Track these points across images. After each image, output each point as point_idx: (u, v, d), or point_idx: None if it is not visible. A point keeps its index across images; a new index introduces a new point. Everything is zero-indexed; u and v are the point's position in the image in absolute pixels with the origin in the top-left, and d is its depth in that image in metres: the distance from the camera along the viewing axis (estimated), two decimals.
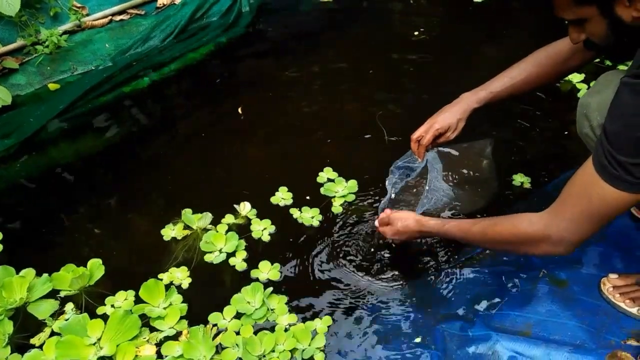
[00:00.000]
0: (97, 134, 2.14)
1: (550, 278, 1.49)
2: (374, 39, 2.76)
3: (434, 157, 1.60)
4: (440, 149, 1.73)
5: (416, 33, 2.75)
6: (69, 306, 1.45)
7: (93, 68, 2.45)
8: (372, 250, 1.65)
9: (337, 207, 1.79)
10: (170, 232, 1.68)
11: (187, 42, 2.61)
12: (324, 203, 1.80)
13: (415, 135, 1.51)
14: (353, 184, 1.85)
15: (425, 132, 1.49)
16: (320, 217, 1.75)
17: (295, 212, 1.75)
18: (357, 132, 2.13)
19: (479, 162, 1.90)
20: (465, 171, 1.87)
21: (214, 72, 2.52)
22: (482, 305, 1.47)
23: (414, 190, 1.78)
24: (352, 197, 1.82)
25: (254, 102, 2.31)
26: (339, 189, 1.84)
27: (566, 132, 2.09)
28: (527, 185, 1.87)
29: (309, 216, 1.75)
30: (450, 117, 1.48)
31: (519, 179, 1.88)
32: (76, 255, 1.61)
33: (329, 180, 1.87)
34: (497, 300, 1.48)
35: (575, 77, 2.35)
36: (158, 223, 1.71)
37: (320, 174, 1.89)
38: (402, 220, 1.46)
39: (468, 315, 1.45)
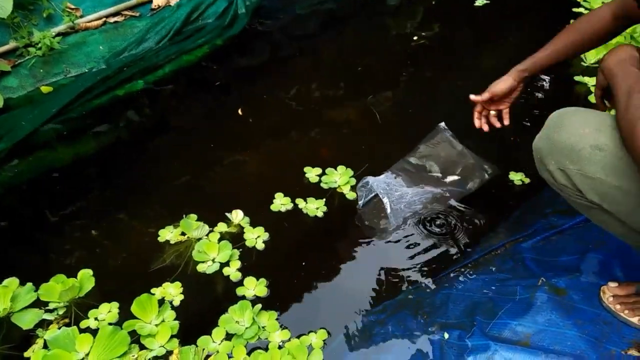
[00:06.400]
0: (90, 138, 2.11)
1: (549, 286, 1.46)
2: (372, 41, 2.74)
3: (386, 179, 1.72)
4: (404, 160, 1.85)
5: (415, 38, 2.72)
6: (55, 316, 1.42)
7: (86, 70, 2.41)
8: (368, 251, 1.65)
9: (351, 194, 1.80)
10: (168, 234, 1.64)
11: (183, 44, 2.57)
12: (327, 194, 1.82)
13: (475, 99, 1.62)
14: (343, 170, 1.88)
15: (482, 97, 1.60)
16: (324, 209, 1.76)
17: (300, 202, 1.76)
18: (354, 126, 2.16)
19: (447, 149, 1.90)
20: (439, 164, 1.88)
21: (210, 75, 2.49)
22: (481, 314, 1.44)
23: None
24: (353, 181, 1.84)
25: (251, 104, 2.29)
26: (336, 179, 1.85)
27: None
28: (527, 180, 1.88)
29: (314, 207, 1.75)
30: (501, 83, 1.56)
31: (514, 176, 1.89)
32: (67, 259, 1.60)
33: (318, 175, 1.87)
34: (495, 308, 1.44)
35: (592, 81, 2.31)
36: (146, 229, 1.68)
37: (307, 174, 1.88)
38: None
39: (466, 324, 1.42)
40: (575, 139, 1.18)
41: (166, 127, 2.21)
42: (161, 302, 1.45)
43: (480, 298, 1.49)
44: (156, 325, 1.38)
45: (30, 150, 2.03)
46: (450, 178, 1.83)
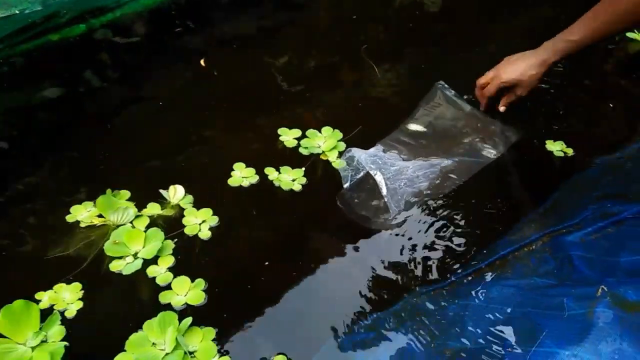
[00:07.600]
0: (12, 90, 1.66)
1: (614, 298, 1.02)
2: None
3: (376, 151, 1.35)
4: (399, 129, 1.47)
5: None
6: None
7: (17, 12, 1.96)
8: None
9: (337, 162, 1.37)
10: (83, 213, 1.19)
11: None
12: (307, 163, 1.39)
13: (481, 82, 1.41)
14: (329, 132, 1.46)
15: (490, 80, 1.38)
16: (303, 180, 1.32)
17: (271, 173, 1.33)
18: (345, 82, 1.74)
19: (452, 112, 1.53)
20: (445, 130, 1.49)
21: (170, 20, 2.03)
22: (513, 336, 1.00)
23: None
24: (342, 146, 1.41)
25: (218, 54, 1.83)
26: (320, 142, 1.42)
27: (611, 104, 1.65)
28: (569, 152, 1.45)
29: (289, 178, 1.32)
30: (521, 70, 1.31)
31: (552, 146, 1.46)
32: None
33: (297, 139, 1.45)
34: (535, 329, 1.00)
35: None
36: (58, 201, 1.24)
37: (282, 137, 1.45)
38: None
39: (492, 352, 0.98)
40: None
41: (107, 77, 1.75)
42: (49, 312, 0.99)
43: (512, 313, 1.05)
44: (32, 347, 0.92)
45: None
46: (461, 146, 1.40)
